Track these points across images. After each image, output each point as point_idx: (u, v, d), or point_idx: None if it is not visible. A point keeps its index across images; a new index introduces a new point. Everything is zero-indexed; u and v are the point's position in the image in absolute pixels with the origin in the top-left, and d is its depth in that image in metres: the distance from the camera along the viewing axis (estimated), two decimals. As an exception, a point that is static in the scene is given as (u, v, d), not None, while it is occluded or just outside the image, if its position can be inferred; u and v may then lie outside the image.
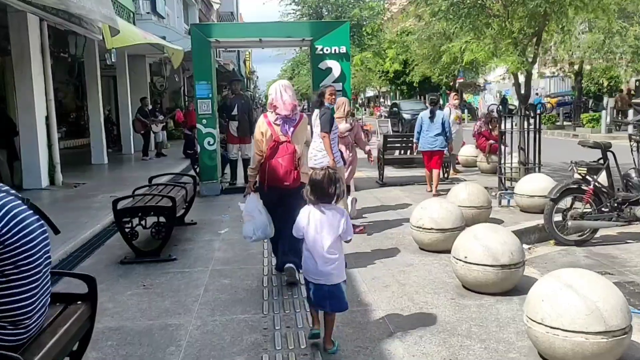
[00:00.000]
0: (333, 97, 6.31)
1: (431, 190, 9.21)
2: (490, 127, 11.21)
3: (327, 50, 9.07)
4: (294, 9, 29.08)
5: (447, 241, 5.24)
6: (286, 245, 4.55)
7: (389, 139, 10.21)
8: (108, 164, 14.18)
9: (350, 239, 3.42)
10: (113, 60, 11.31)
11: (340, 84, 9.18)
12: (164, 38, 15.96)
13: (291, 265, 4.51)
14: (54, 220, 2.53)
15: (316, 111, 6.07)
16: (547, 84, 40.53)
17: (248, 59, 57.59)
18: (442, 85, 41.90)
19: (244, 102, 9.58)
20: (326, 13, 29.49)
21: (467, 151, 12.00)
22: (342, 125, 6.95)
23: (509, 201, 7.63)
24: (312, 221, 3.30)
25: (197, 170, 10.24)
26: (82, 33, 9.43)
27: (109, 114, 20.07)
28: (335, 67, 9.11)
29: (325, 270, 3.25)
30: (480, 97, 47.81)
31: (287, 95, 4.47)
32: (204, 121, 9.13)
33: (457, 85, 42.72)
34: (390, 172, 10.55)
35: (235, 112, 9.47)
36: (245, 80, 50.92)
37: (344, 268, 3.39)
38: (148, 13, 18.59)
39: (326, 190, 3.27)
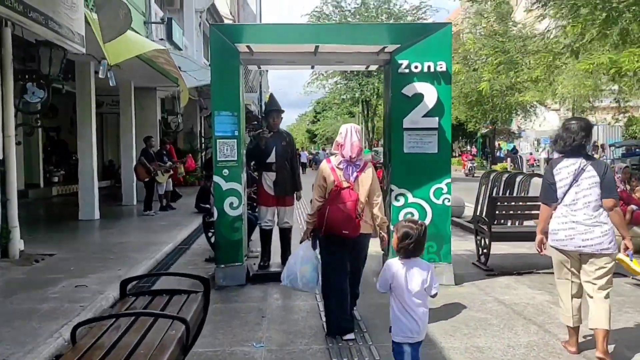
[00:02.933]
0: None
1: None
2: (629, 186, 7.91)
3: (416, 67, 5.93)
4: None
5: None
6: (342, 299, 4.33)
7: (498, 203, 6.86)
8: (99, 221, 11.05)
9: (436, 293, 3.31)
10: (112, 83, 8.35)
11: (436, 118, 6.00)
12: (178, 68, 13.08)
13: (353, 337, 4.27)
14: None
15: (561, 162, 4.01)
16: (594, 131, 37.20)
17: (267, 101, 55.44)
18: (478, 132, 39.09)
19: (285, 144, 6.40)
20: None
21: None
22: None
23: None
24: (400, 277, 3.23)
25: (212, 239, 7.05)
26: (52, 39, 6.45)
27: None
28: (429, 94, 5.95)
29: (421, 326, 3.23)
30: (515, 144, 44.69)
31: (356, 138, 4.34)
32: (226, 172, 5.94)
33: (486, 131, 39.87)
34: (495, 247, 7.15)
35: (272, 158, 6.29)
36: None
37: None
38: (162, 40, 15.88)
39: (418, 245, 3.24)
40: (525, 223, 7.48)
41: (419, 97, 5.96)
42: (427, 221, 6.00)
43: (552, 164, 4.05)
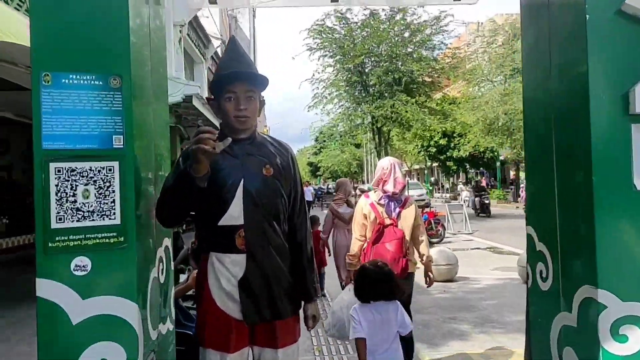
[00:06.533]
0: None
1: None
2: None
3: None
4: (328, 63, 22.94)
5: None
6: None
7: None
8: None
9: (410, 332, 3.13)
10: None
11: None
12: None
13: None
14: None
15: None
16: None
17: (266, 134, 51.27)
18: (509, 160, 35.12)
19: (271, 172, 2.25)
20: (370, 67, 23.21)
21: None
22: (343, 209, 6.50)
23: None
24: (366, 322, 2.97)
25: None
26: None
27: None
28: None
29: None
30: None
31: (399, 173, 4.07)
32: (81, 266, 1.87)
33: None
34: None
35: (233, 215, 2.16)
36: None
37: None
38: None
39: (379, 287, 3.01)
40: None
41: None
42: None
43: None
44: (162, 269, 2.33)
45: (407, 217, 4.01)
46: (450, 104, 26.80)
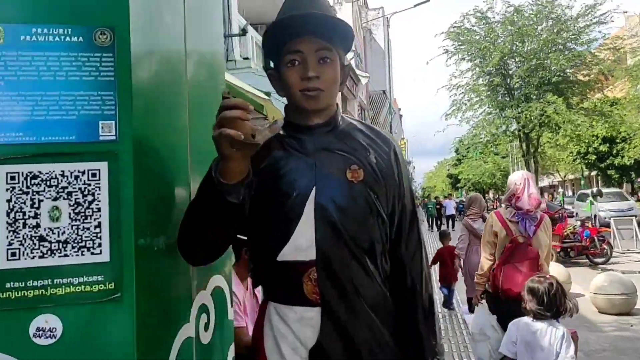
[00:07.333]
0: None
1: None
2: None
3: None
4: (467, 67, 21.53)
5: None
6: None
7: None
8: None
9: None
10: None
11: None
12: (268, 95, 8.94)
13: None
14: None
15: None
16: None
17: (404, 147, 50.10)
18: None
19: (361, 178, 1.40)
20: (514, 68, 21.31)
21: None
22: (479, 224, 6.10)
23: None
24: (526, 340, 2.92)
25: None
26: None
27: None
28: None
29: None
30: None
31: (533, 188, 3.94)
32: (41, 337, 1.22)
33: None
34: None
35: (297, 246, 1.36)
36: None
37: None
38: (246, 59, 12.05)
39: (550, 303, 2.95)
40: None
41: None
42: None
43: None
44: (207, 324, 1.58)
45: (543, 237, 3.86)
46: (611, 105, 23.57)
